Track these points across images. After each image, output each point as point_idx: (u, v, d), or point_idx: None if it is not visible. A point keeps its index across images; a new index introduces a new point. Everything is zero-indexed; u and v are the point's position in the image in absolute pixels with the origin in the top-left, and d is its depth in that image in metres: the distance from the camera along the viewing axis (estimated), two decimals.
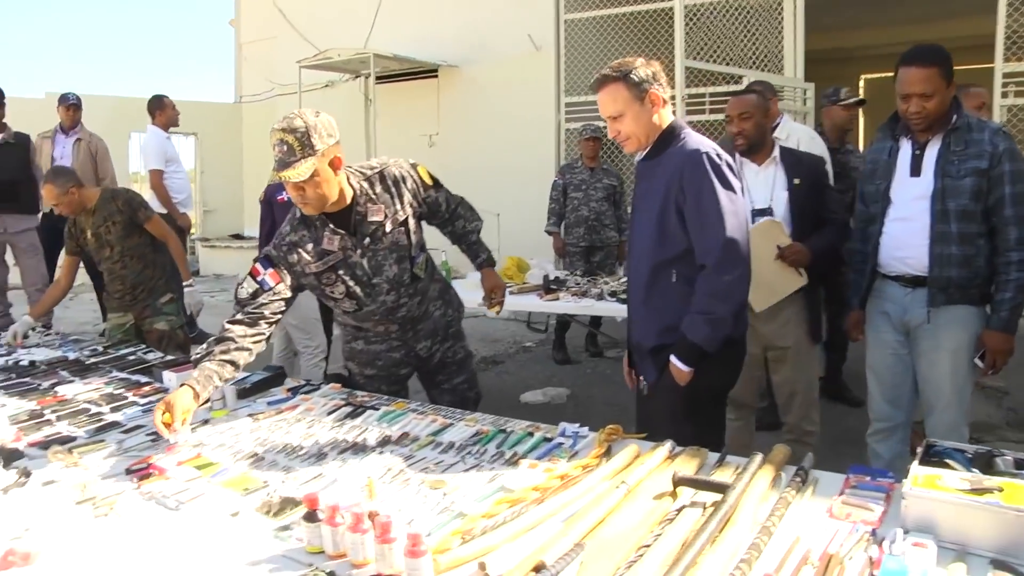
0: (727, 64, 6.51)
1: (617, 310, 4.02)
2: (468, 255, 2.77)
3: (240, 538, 1.55)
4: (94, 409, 2.43)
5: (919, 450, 1.67)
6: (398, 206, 2.45)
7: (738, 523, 1.44)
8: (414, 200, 2.48)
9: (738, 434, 3.01)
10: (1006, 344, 2.46)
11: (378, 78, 8.10)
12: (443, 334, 2.68)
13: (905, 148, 2.55)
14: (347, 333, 2.68)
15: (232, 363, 2.26)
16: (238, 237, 9.79)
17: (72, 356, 3.13)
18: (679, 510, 1.55)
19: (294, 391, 2.55)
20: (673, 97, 3.45)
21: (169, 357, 3.05)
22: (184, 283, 4.09)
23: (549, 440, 2.01)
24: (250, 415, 2.31)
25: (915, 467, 1.57)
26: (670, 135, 2.21)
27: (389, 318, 2.54)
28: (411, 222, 2.48)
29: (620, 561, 1.36)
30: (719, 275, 2.11)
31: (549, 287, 4.33)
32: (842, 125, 4.40)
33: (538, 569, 1.34)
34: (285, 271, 2.38)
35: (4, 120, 5.37)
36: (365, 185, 2.41)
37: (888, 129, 2.61)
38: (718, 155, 2.15)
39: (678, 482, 1.61)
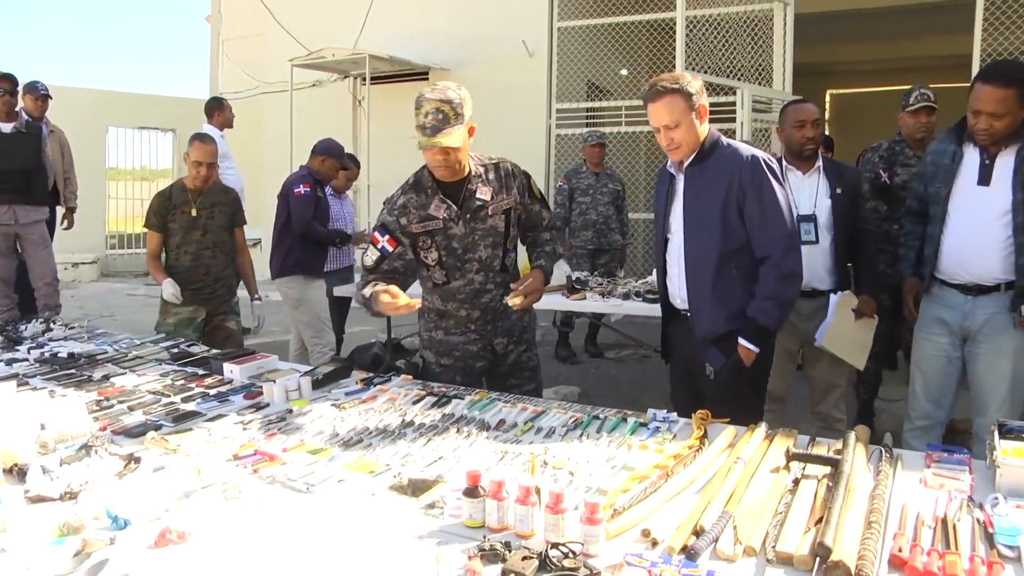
0: (717, 75, 6.73)
1: (646, 309, 4.17)
2: (530, 257, 2.85)
3: (389, 516, 1.62)
4: (165, 399, 2.47)
5: (995, 427, 1.83)
6: (504, 195, 2.62)
7: (857, 491, 1.58)
8: (519, 198, 2.66)
9: (773, 424, 3.17)
10: None
11: (367, 79, 8.13)
12: (519, 336, 2.78)
13: (972, 156, 2.65)
14: (428, 322, 2.76)
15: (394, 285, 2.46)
16: None
17: (110, 349, 3.13)
18: (796, 482, 1.69)
19: (367, 382, 2.62)
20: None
21: (236, 351, 3.04)
22: (254, 296, 4.25)
23: (644, 425, 2.13)
24: (333, 405, 2.38)
25: (999, 442, 1.73)
26: (713, 142, 2.45)
27: (474, 301, 2.65)
28: (512, 215, 2.65)
29: (767, 525, 1.49)
30: (785, 262, 2.38)
31: (573, 287, 4.45)
32: (910, 134, 3.88)
33: (698, 533, 1.46)
34: (400, 234, 2.57)
35: (19, 108, 5.23)
36: (481, 169, 2.60)
37: (954, 134, 2.73)
38: (769, 159, 2.43)
39: (793, 457, 1.75)
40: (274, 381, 2.49)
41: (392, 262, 2.57)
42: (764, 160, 2.41)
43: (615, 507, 1.55)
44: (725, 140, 2.48)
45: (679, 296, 2.57)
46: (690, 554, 1.40)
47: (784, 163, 3.08)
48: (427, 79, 8.64)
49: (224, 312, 4.08)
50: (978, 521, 1.50)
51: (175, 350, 3.10)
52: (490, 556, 1.41)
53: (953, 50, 7.62)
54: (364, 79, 8.20)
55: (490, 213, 2.60)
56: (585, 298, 4.45)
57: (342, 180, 5.11)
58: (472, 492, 1.56)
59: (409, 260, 2.60)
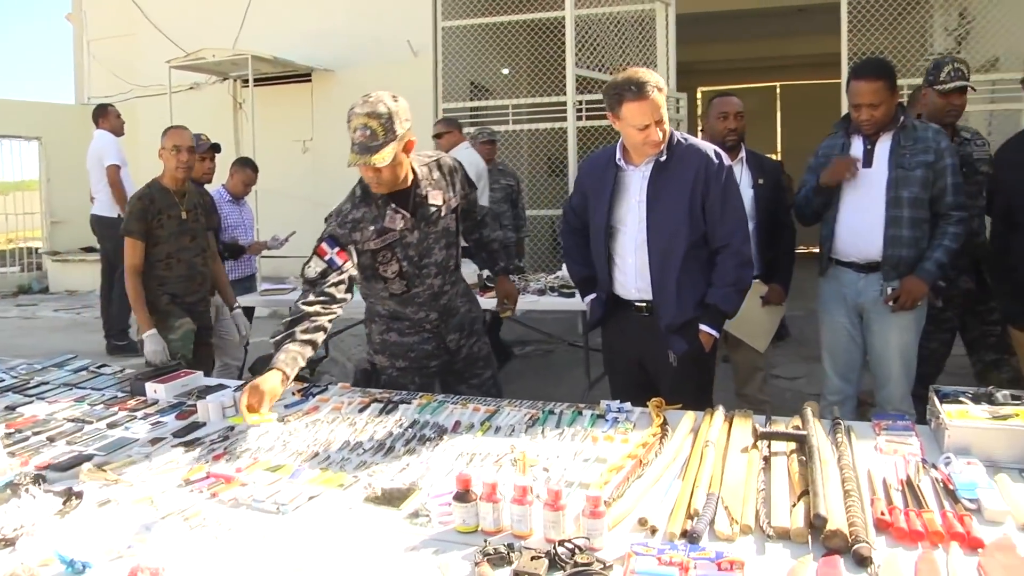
0: (603, 72, 6.90)
1: (562, 304, 4.22)
2: (488, 261, 2.96)
3: (374, 530, 1.56)
4: (88, 427, 2.28)
5: (933, 394, 1.98)
6: (451, 193, 2.59)
7: (828, 462, 1.66)
8: (462, 191, 2.65)
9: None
10: (919, 289, 2.81)
11: (248, 81, 7.81)
12: (468, 329, 2.77)
13: (856, 144, 2.92)
14: (380, 325, 2.70)
15: (312, 343, 2.27)
16: (90, 250, 9.00)
17: (6, 377, 2.86)
18: (766, 459, 1.76)
19: (305, 393, 2.52)
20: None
21: (157, 370, 2.84)
22: (233, 307, 3.97)
23: (602, 417, 2.16)
24: (277, 419, 2.27)
25: (942, 407, 1.87)
26: (672, 137, 2.51)
27: (432, 304, 2.62)
28: (458, 211, 2.64)
29: (754, 502, 1.54)
30: (743, 249, 2.52)
31: (485, 285, 4.43)
32: (937, 115, 3.19)
33: (692, 516, 1.49)
34: (351, 248, 2.44)
35: None
36: (425, 170, 2.53)
37: (841, 127, 2.98)
38: (723, 153, 2.57)
39: (761, 436, 1.82)
40: (207, 399, 2.35)
41: (339, 275, 2.39)
42: (722, 155, 2.54)
43: (605, 500, 1.56)
44: (676, 135, 2.54)
45: (634, 287, 2.60)
46: (692, 538, 1.43)
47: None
48: (310, 81, 8.42)
49: (208, 327, 3.77)
50: (936, 480, 1.62)
51: (82, 372, 2.88)
52: (496, 559, 1.39)
53: (818, 49, 8.16)
54: (245, 81, 7.87)
55: (442, 215, 2.57)
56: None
57: (239, 186, 4.89)
58: (463, 496, 1.53)
59: (353, 277, 2.45)
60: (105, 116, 6.53)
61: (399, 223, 2.47)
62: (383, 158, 2.25)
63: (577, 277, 2.87)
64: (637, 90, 2.36)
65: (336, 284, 2.37)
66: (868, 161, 2.85)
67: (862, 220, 2.86)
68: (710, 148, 2.54)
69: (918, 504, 1.51)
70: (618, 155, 2.57)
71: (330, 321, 2.34)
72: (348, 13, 8.14)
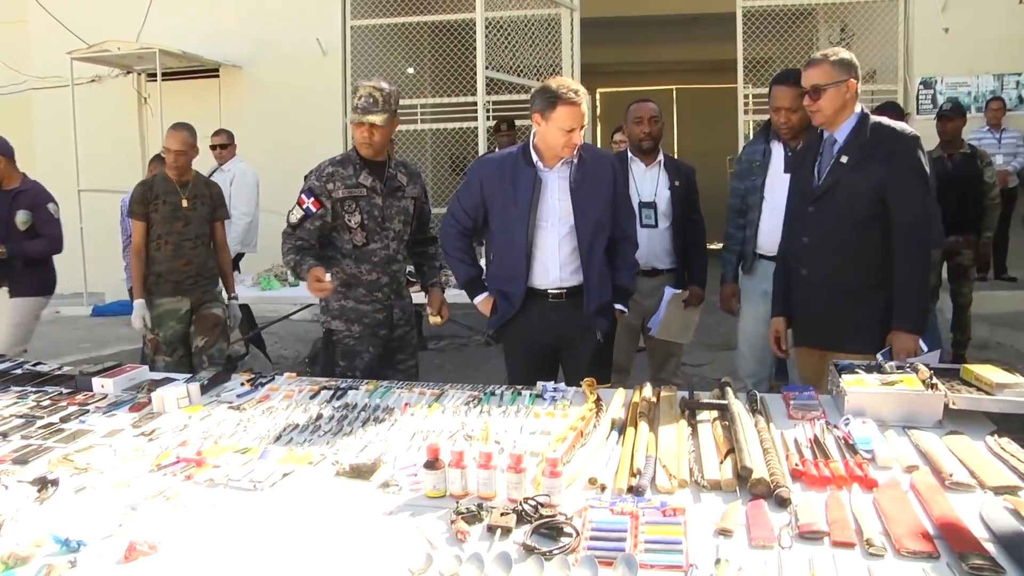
0: (510, 74, 7.13)
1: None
2: (427, 274, 3.25)
3: (351, 500, 1.70)
4: (40, 421, 2.31)
5: (832, 367, 2.28)
6: (414, 187, 3.13)
7: (747, 426, 1.92)
8: (421, 193, 3.15)
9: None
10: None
11: (153, 75, 7.62)
12: (408, 316, 3.10)
13: (778, 150, 3.22)
14: (336, 293, 2.98)
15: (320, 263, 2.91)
16: None
17: None
18: (693, 426, 2.00)
19: (254, 382, 2.61)
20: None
21: (102, 365, 2.84)
22: (231, 295, 4.33)
23: (540, 396, 2.36)
24: (231, 408, 2.37)
25: (841, 377, 2.17)
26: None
27: (385, 267, 3.06)
28: (416, 206, 3.13)
29: (687, 461, 1.78)
30: (635, 238, 2.95)
31: (409, 280, 4.56)
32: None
33: (635, 475, 1.71)
34: (324, 198, 2.96)
35: None
36: (399, 159, 3.16)
37: (762, 135, 3.28)
38: None
39: (687, 406, 2.06)
40: (160, 390, 2.42)
41: (314, 222, 2.95)
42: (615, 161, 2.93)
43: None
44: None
45: (557, 278, 2.80)
46: (637, 491, 1.64)
47: (629, 156, 3.46)
48: (217, 76, 8.28)
49: (208, 300, 4.15)
50: (838, 437, 1.90)
51: (18, 371, 2.86)
52: (469, 517, 1.56)
53: (713, 56, 8.64)
54: (150, 75, 7.67)
55: (405, 195, 3.07)
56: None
57: None
58: (432, 464, 1.70)
59: (326, 223, 2.97)
60: None
61: (368, 182, 2.97)
62: (381, 119, 2.85)
63: (466, 277, 2.96)
64: (574, 95, 2.61)
65: (313, 230, 2.98)
66: (788, 167, 3.12)
67: (780, 219, 3.06)
68: (608, 153, 2.96)
69: (825, 456, 1.78)
70: (534, 157, 2.76)
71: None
72: (257, 9, 8.06)
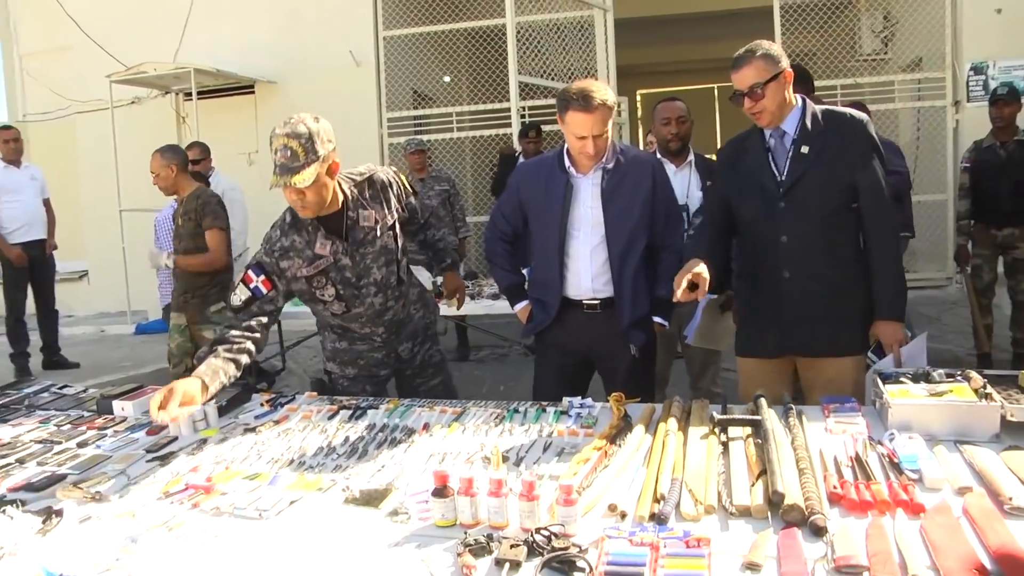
0: (544, 79, 7.04)
1: None
2: (434, 259, 3.00)
3: (357, 529, 1.62)
4: (58, 447, 2.28)
5: (875, 376, 2.12)
6: (386, 211, 2.56)
7: (782, 444, 1.78)
8: (399, 205, 2.62)
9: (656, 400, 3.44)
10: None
11: (191, 94, 7.73)
12: (422, 335, 2.82)
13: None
14: (331, 334, 2.74)
15: (235, 361, 2.32)
16: None
17: None
18: (724, 444, 1.87)
19: (273, 403, 2.55)
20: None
21: (123, 388, 2.81)
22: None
23: (565, 413, 2.25)
24: (247, 430, 2.31)
25: (885, 387, 2.01)
26: (613, 146, 2.67)
27: (376, 321, 2.64)
28: (397, 227, 2.61)
29: (716, 484, 1.65)
30: (679, 248, 2.71)
31: (440, 292, 4.49)
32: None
33: (659, 500, 1.59)
34: (276, 278, 2.46)
35: None
36: (355, 191, 2.50)
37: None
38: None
39: (718, 423, 1.93)
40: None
41: (263, 305, 2.43)
42: (660, 162, 2.79)
43: (576, 488, 1.64)
44: (617, 144, 2.69)
45: (589, 288, 2.69)
46: (660, 519, 1.52)
47: (658, 157, 3.32)
48: (253, 93, 8.36)
49: (198, 322, 4.16)
50: (882, 455, 1.75)
51: (44, 395, 2.85)
52: (477, 549, 1.46)
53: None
54: (187, 94, 7.78)
55: (378, 235, 2.54)
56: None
57: None
58: (441, 492, 1.60)
59: (279, 306, 2.51)
60: None
61: (328, 248, 2.46)
62: (304, 179, 2.22)
63: (506, 284, 2.91)
64: (583, 102, 2.46)
65: (258, 315, 2.42)
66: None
67: None
68: (650, 156, 2.75)
69: (866, 477, 1.63)
70: (566, 163, 2.66)
71: (254, 345, 2.40)
72: (289, 24, 8.13)
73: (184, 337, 4.23)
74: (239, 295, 2.42)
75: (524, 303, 2.86)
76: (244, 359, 2.35)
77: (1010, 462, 1.66)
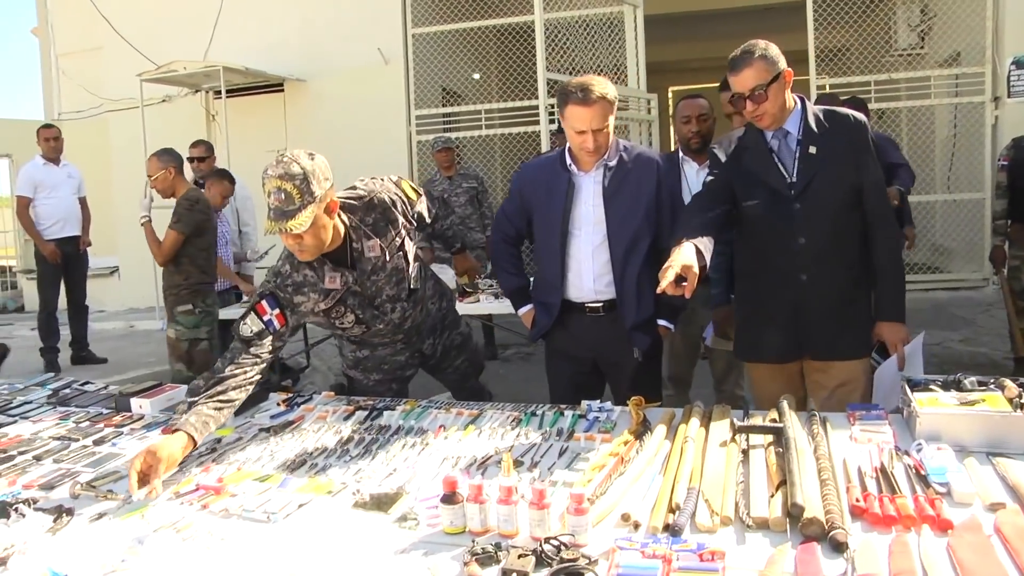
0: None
1: None
2: (444, 245, 2.98)
3: (364, 535, 1.59)
4: (74, 444, 2.29)
5: (903, 384, 2.04)
6: (392, 233, 2.46)
7: (804, 453, 1.71)
8: (405, 220, 2.52)
9: (682, 405, 3.35)
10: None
11: (221, 93, 7.80)
12: (440, 326, 2.81)
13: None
14: (350, 343, 2.72)
15: (230, 403, 2.17)
16: None
17: None
18: (744, 452, 1.81)
19: (290, 403, 2.54)
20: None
21: (142, 385, 2.80)
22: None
23: (583, 416, 2.20)
24: (261, 430, 2.30)
25: (913, 395, 1.93)
26: (617, 144, 2.59)
27: (395, 332, 2.63)
28: (407, 244, 2.54)
29: (733, 494, 1.59)
30: None
31: (464, 290, 4.47)
32: None
33: (674, 510, 1.54)
34: (290, 312, 2.34)
35: None
36: (355, 219, 2.39)
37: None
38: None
39: (739, 430, 1.87)
40: None
41: (274, 341, 2.29)
42: (663, 159, 2.66)
43: (588, 497, 1.60)
44: (621, 142, 2.60)
45: (591, 290, 2.60)
46: (674, 531, 1.47)
47: (680, 155, 3.25)
48: (282, 90, 8.41)
49: (169, 319, 4.24)
50: (909, 466, 1.68)
51: (67, 391, 2.87)
52: (484, 559, 1.42)
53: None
54: (217, 92, 7.85)
55: (387, 259, 2.46)
56: (479, 300, 4.49)
57: (216, 198, 4.90)
58: (450, 499, 1.57)
59: (286, 341, 2.41)
60: (38, 138, 6.29)
61: (338, 282, 2.38)
62: (301, 223, 2.09)
63: (511, 287, 2.81)
64: (582, 95, 2.39)
65: (268, 346, 2.27)
66: None
67: None
68: (657, 154, 2.65)
69: (891, 490, 1.56)
70: (568, 160, 2.59)
71: (252, 383, 2.22)
72: (318, 22, 8.15)
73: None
74: (250, 326, 2.26)
75: (528, 307, 2.78)
76: (241, 398, 2.20)
77: None
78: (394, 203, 2.47)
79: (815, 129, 2.35)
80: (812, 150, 2.34)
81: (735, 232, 2.56)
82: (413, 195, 2.59)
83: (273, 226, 2.12)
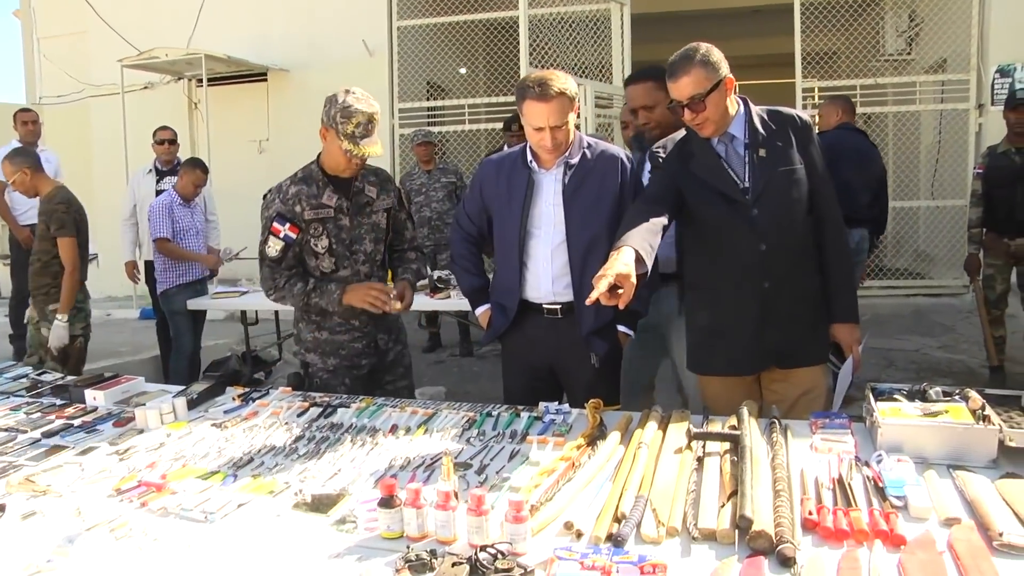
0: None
1: None
2: (394, 273, 2.89)
3: (300, 537, 1.54)
4: (21, 435, 2.22)
5: (868, 393, 2.00)
6: (385, 196, 2.76)
7: (760, 462, 1.67)
8: (394, 202, 2.79)
9: (645, 407, 3.28)
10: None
11: (204, 81, 7.70)
12: (396, 335, 2.83)
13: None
14: (310, 323, 2.72)
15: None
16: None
17: None
18: (699, 460, 1.76)
19: (245, 398, 2.48)
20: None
21: (96, 376, 2.74)
22: (58, 316, 3.89)
23: (539, 419, 2.15)
24: (214, 425, 2.24)
25: (876, 404, 1.89)
26: (580, 139, 2.49)
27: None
28: (390, 216, 2.78)
29: (683, 504, 1.54)
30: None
31: (436, 286, 4.41)
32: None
33: (619, 520, 1.49)
34: (299, 222, 2.59)
35: None
36: (367, 169, 2.71)
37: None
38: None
39: (695, 436, 1.82)
40: (145, 405, 2.30)
41: (295, 250, 2.61)
42: (631, 159, 2.54)
43: (532, 503, 1.55)
44: (585, 138, 2.51)
45: (549, 291, 2.51)
46: (616, 541, 1.42)
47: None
48: (265, 80, 8.31)
49: (39, 318, 4.03)
50: (868, 478, 1.63)
51: (23, 379, 2.80)
52: (417, 566, 1.37)
53: (772, 50, 8.21)
54: (199, 81, 7.74)
55: (375, 209, 2.72)
56: (450, 296, 4.42)
57: (189, 187, 4.81)
58: (388, 502, 1.51)
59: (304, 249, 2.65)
60: (14, 122, 6.06)
61: (334, 202, 2.61)
62: (379, 150, 2.50)
63: (469, 287, 2.72)
64: (539, 90, 2.29)
65: (296, 258, 2.63)
66: None
67: None
68: (617, 150, 2.51)
69: (847, 503, 1.51)
70: (528, 157, 2.50)
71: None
72: (303, 13, 8.06)
73: (36, 330, 4.03)
74: (273, 247, 2.57)
75: (485, 307, 2.67)
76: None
77: (1005, 492, 1.54)
78: (391, 181, 2.83)
79: (761, 131, 2.28)
80: (762, 153, 2.26)
81: (684, 242, 2.47)
82: (406, 203, 2.97)
83: (356, 149, 2.47)
